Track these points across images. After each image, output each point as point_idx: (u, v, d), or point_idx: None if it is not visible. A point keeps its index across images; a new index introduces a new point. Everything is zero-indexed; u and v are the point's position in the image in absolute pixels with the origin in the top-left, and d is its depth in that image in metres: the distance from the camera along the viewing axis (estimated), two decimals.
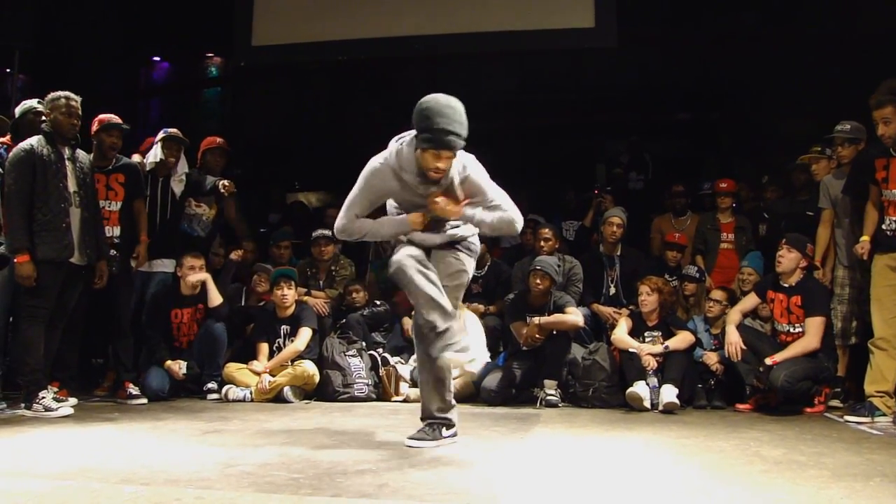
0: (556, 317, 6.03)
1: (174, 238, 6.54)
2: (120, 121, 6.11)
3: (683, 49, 9.27)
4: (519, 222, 3.99)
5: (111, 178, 6.02)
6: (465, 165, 3.87)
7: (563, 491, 3.04)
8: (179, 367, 6.10)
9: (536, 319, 6.01)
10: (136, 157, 6.45)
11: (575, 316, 6.07)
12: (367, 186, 3.92)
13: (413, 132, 3.78)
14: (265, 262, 7.41)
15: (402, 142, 3.86)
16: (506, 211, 3.93)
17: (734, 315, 5.81)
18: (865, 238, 5.36)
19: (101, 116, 6.05)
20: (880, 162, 5.25)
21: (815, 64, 8.54)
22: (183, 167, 6.56)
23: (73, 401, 5.40)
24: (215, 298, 6.29)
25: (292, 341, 6.30)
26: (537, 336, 5.97)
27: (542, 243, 6.83)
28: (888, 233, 5.21)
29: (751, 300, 5.92)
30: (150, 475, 3.19)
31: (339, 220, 4.00)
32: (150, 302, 6.35)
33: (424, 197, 3.86)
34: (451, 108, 3.70)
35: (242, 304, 6.97)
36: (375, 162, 3.91)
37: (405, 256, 3.86)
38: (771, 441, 4.24)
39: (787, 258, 5.67)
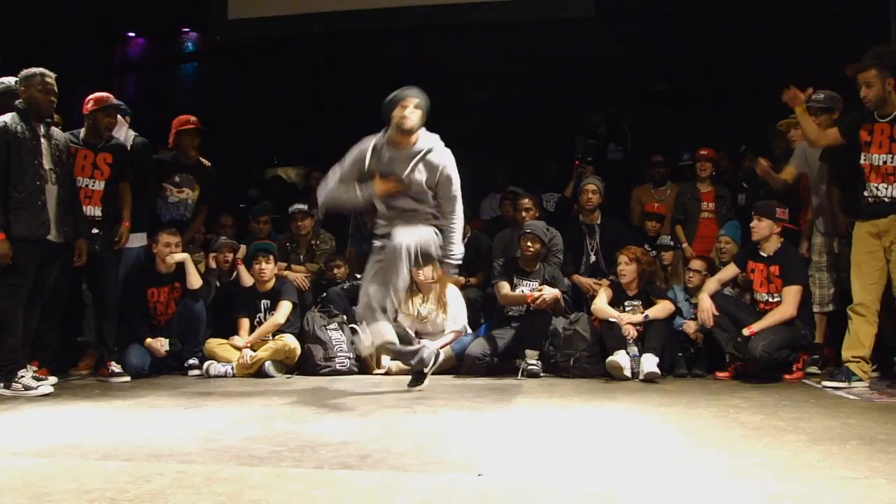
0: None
1: (143, 213, 6.45)
2: (116, 101, 6.07)
3: (661, 19, 9.23)
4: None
5: (99, 157, 5.94)
6: (445, 165, 4.67)
7: (545, 459, 3.07)
8: (161, 344, 6.09)
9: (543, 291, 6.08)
10: None
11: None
12: (351, 152, 4.71)
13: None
14: (245, 237, 7.40)
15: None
16: (452, 239, 4.79)
17: (711, 284, 5.86)
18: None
19: (97, 95, 5.95)
20: (865, 126, 5.27)
21: (793, 34, 8.54)
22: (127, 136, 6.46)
23: (52, 379, 5.37)
24: (195, 281, 6.25)
25: (272, 315, 6.29)
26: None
27: (524, 213, 6.86)
28: (869, 199, 5.23)
29: (730, 270, 5.96)
30: (131, 451, 3.19)
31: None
32: (125, 280, 6.27)
33: (391, 162, 4.63)
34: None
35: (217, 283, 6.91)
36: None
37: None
38: (750, 408, 4.29)
39: (759, 227, 5.72)
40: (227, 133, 9.44)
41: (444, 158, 4.67)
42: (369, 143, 4.67)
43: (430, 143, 4.67)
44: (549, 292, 5.98)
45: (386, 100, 4.62)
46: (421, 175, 4.64)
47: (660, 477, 2.76)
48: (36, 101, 5.20)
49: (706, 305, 5.67)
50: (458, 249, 4.78)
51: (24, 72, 5.25)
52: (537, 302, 5.96)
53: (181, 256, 6.26)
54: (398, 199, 4.70)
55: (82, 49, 10.39)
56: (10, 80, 5.59)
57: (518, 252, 6.43)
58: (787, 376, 5.58)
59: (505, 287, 6.26)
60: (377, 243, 4.81)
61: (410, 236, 4.47)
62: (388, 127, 4.63)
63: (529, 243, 6.22)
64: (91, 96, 5.96)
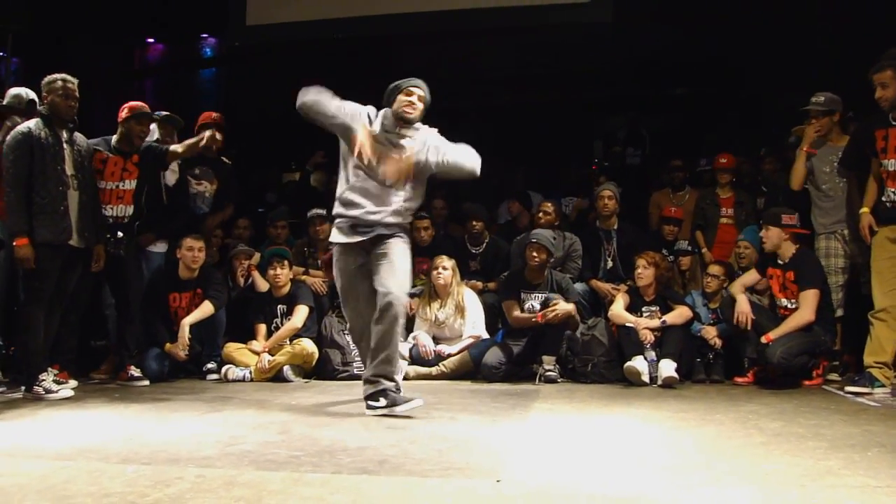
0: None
1: (168, 223, 6.52)
2: (149, 110, 6.12)
3: (679, 23, 9.21)
4: (477, 160, 4.46)
5: (128, 161, 5.97)
6: (430, 138, 4.50)
7: (564, 465, 3.06)
8: (182, 347, 6.09)
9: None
10: None
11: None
12: (349, 103, 4.54)
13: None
14: (263, 242, 7.42)
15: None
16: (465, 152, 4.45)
17: (738, 287, 5.82)
18: (865, 210, 5.36)
19: (132, 104, 5.99)
20: (880, 132, 5.25)
21: (811, 36, 8.50)
22: None
23: (73, 383, 5.42)
24: (209, 312, 6.26)
25: (289, 320, 6.31)
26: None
27: (542, 215, 6.87)
28: (888, 204, 5.21)
29: (751, 276, 5.94)
30: (151, 455, 3.20)
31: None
32: (148, 286, 6.33)
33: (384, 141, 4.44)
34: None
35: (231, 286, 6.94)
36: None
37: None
38: (769, 414, 4.27)
39: (767, 236, 5.72)
40: (244, 138, 9.47)
41: (430, 133, 4.53)
42: (367, 111, 4.52)
43: (422, 129, 4.56)
44: (563, 308, 5.94)
45: (391, 85, 4.54)
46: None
47: (679, 483, 2.75)
48: (57, 106, 5.24)
49: (744, 308, 5.63)
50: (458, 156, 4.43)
51: (47, 77, 5.30)
52: (549, 318, 5.93)
53: (208, 312, 6.23)
54: (369, 179, 4.46)
55: (102, 54, 10.48)
56: (23, 91, 5.67)
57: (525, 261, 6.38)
58: (806, 382, 5.53)
59: (514, 309, 6.21)
60: (341, 238, 4.56)
61: (402, 286, 4.37)
62: (388, 110, 4.52)
63: (535, 253, 6.17)
64: (126, 105, 5.99)
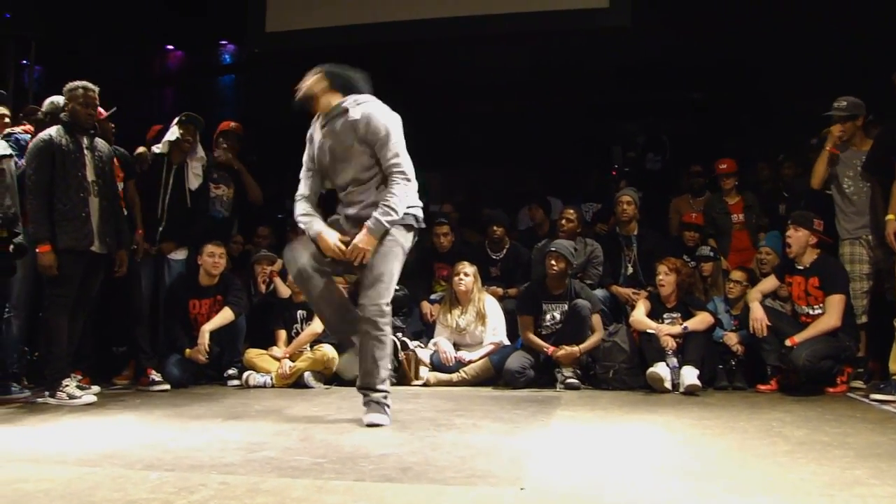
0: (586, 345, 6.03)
1: (189, 228, 6.54)
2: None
3: (699, 27, 9.18)
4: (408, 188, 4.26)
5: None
6: (369, 115, 4.19)
7: (588, 473, 3.04)
8: (204, 349, 6.12)
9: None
10: (140, 149, 6.48)
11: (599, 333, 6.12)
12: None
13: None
14: (283, 248, 7.44)
15: None
16: (392, 191, 4.20)
17: (755, 294, 5.79)
18: (891, 217, 5.31)
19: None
20: None
21: (830, 41, 8.45)
22: (199, 152, 6.56)
23: (95, 388, 5.46)
24: (229, 318, 6.30)
25: (309, 325, 6.32)
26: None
27: (564, 223, 6.86)
28: None
29: (770, 282, 5.90)
30: (174, 461, 3.21)
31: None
32: (168, 293, 6.38)
33: (321, 137, 4.35)
34: None
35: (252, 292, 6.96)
36: None
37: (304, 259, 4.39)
38: (794, 421, 4.23)
39: (795, 237, 5.66)
40: (264, 144, 9.51)
41: (368, 109, 4.22)
42: (309, 137, 4.47)
43: (349, 103, 4.27)
44: (569, 353, 5.93)
45: None
46: (345, 137, 4.23)
47: (702, 492, 2.72)
48: (77, 114, 5.29)
49: (759, 315, 5.60)
50: (391, 208, 4.19)
51: (68, 85, 5.35)
52: (556, 356, 5.97)
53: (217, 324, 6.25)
54: (348, 191, 4.39)
55: (122, 62, 10.55)
56: (59, 99, 5.71)
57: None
58: (830, 390, 5.49)
59: (528, 329, 6.19)
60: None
61: (376, 295, 4.22)
62: None
63: (553, 261, 6.14)
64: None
